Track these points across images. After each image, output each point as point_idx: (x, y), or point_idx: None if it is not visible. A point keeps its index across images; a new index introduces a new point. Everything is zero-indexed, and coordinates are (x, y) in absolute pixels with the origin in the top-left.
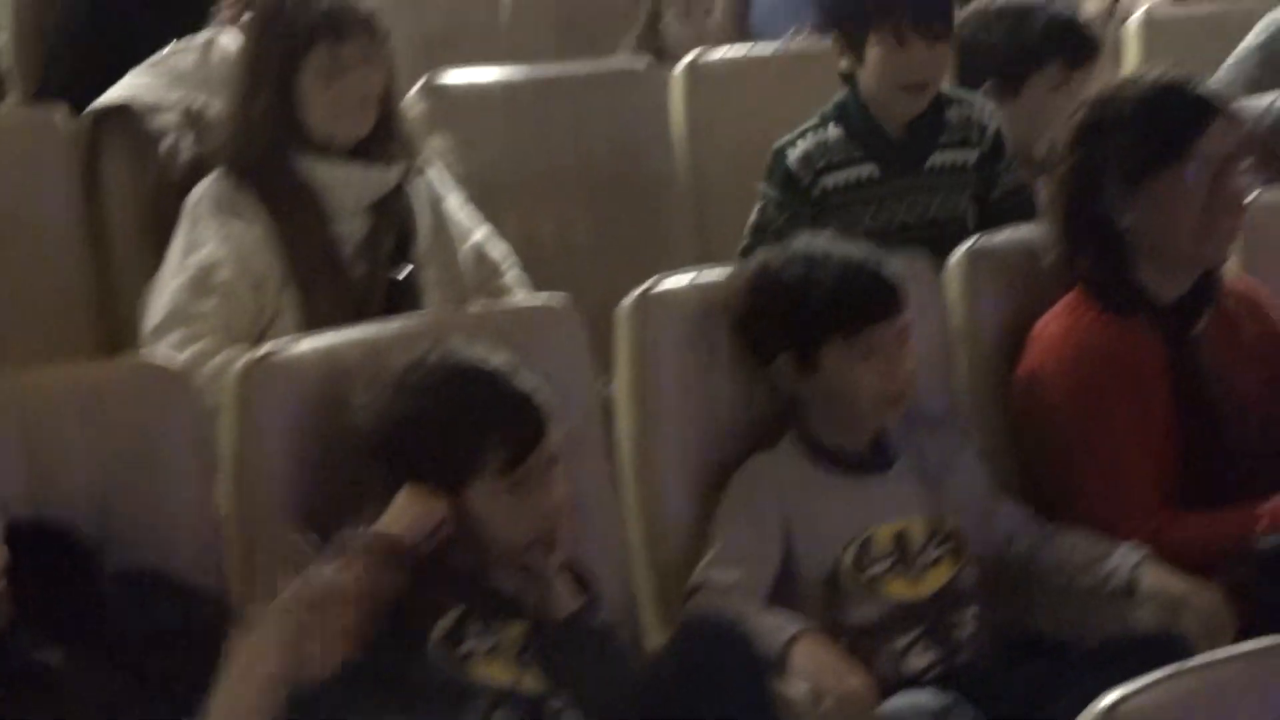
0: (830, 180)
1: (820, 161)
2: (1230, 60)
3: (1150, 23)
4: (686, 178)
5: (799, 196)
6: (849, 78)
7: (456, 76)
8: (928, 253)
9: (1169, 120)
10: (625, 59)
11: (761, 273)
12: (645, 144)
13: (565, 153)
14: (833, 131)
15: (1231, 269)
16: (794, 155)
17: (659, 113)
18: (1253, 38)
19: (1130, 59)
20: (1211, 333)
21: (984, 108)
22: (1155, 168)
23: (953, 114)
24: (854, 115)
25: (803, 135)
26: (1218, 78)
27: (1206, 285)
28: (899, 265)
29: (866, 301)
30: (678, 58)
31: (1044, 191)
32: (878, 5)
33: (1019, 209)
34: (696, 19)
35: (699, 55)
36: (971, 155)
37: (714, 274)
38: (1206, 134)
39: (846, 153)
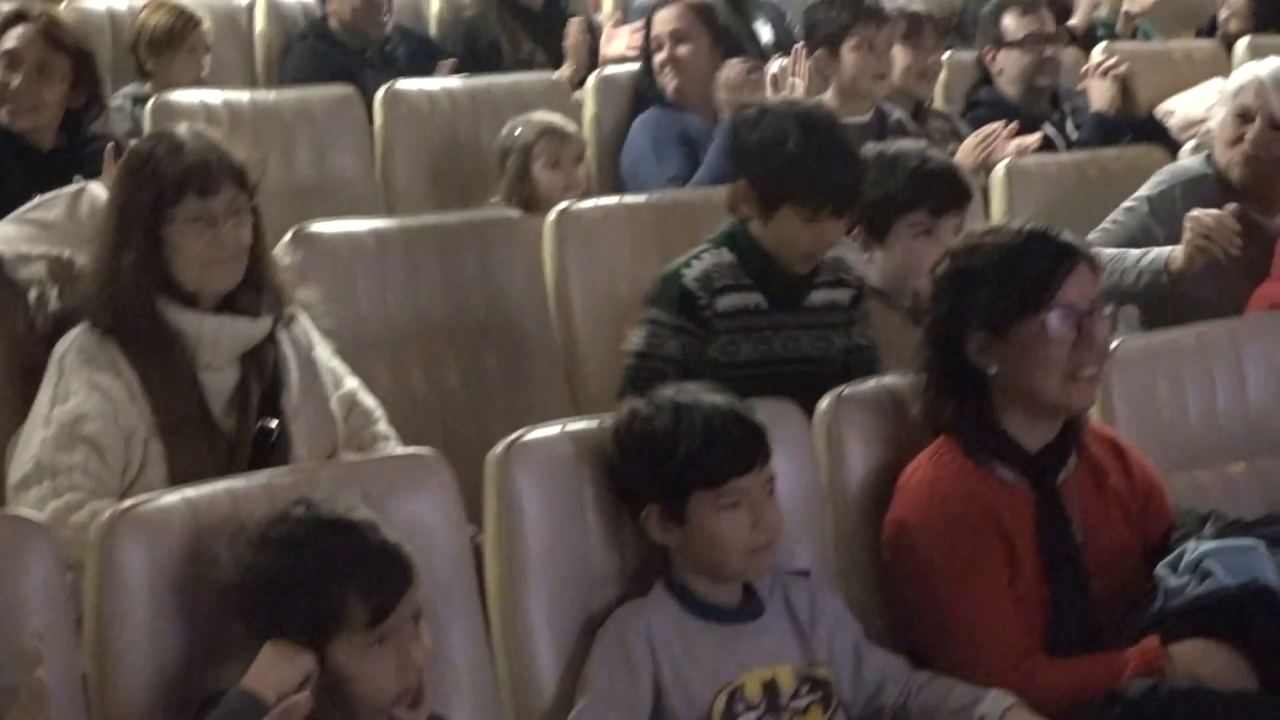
0: (724, 303)
1: (718, 282)
2: (1123, 206)
3: (1014, 171)
4: (557, 326)
5: (694, 318)
6: (741, 221)
7: (327, 226)
8: (799, 391)
9: (1032, 268)
10: (496, 209)
11: (630, 422)
12: (516, 293)
13: (436, 302)
14: (726, 256)
15: (1093, 417)
16: (691, 275)
17: (530, 262)
18: (1147, 189)
19: (996, 207)
20: (1077, 480)
21: (854, 252)
22: (1020, 315)
23: (829, 254)
24: (745, 245)
25: (697, 258)
26: (1107, 227)
27: (1071, 433)
28: (766, 413)
29: (732, 453)
30: (547, 207)
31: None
32: (802, 185)
33: (863, 366)
34: (566, 169)
35: (569, 205)
36: (845, 296)
37: (583, 423)
38: (1069, 281)
39: (738, 278)
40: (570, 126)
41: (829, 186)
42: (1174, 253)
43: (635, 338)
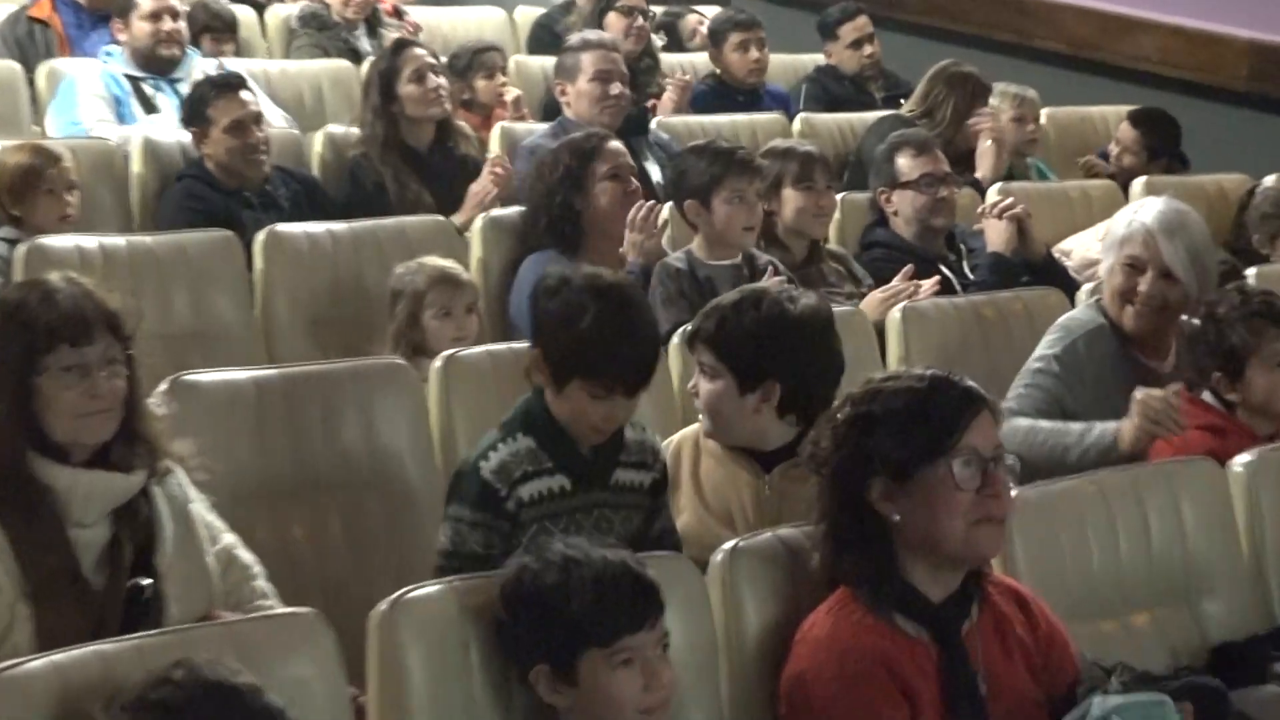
0: (526, 491)
1: (517, 471)
2: (1032, 368)
3: (910, 313)
4: (444, 478)
5: (496, 510)
6: (537, 395)
7: (204, 375)
8: None
9: (937, 414)
10: (381, 357)
11: (518, 579)
12: (401, 444)
13: (318, 453)
14: (523, 442)
15: (995, 566)
16: (488, 467)
17: (415, 411)
18: (1048, 346)
19: (892, 350)
20: (980, 631)
21: (653, 437)
22: (924, 461)
23: (630, 435)
24: (543, 426)
25: (492, 448)
26: (1024, 392)
27: (973, 582)
28: (658, 568)
29: (624, 610)
30: (436, 355)
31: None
32: (592, 362)
33: (672, 548)
34: (457, 318)
35: (456, 352)
36: (647, 478)
37: (470, 581)
38: (974, 427)
39: (538, 463)
40: (464, 274)
41: (619, 365)
42: (1121, 431)
43: (441, 536)
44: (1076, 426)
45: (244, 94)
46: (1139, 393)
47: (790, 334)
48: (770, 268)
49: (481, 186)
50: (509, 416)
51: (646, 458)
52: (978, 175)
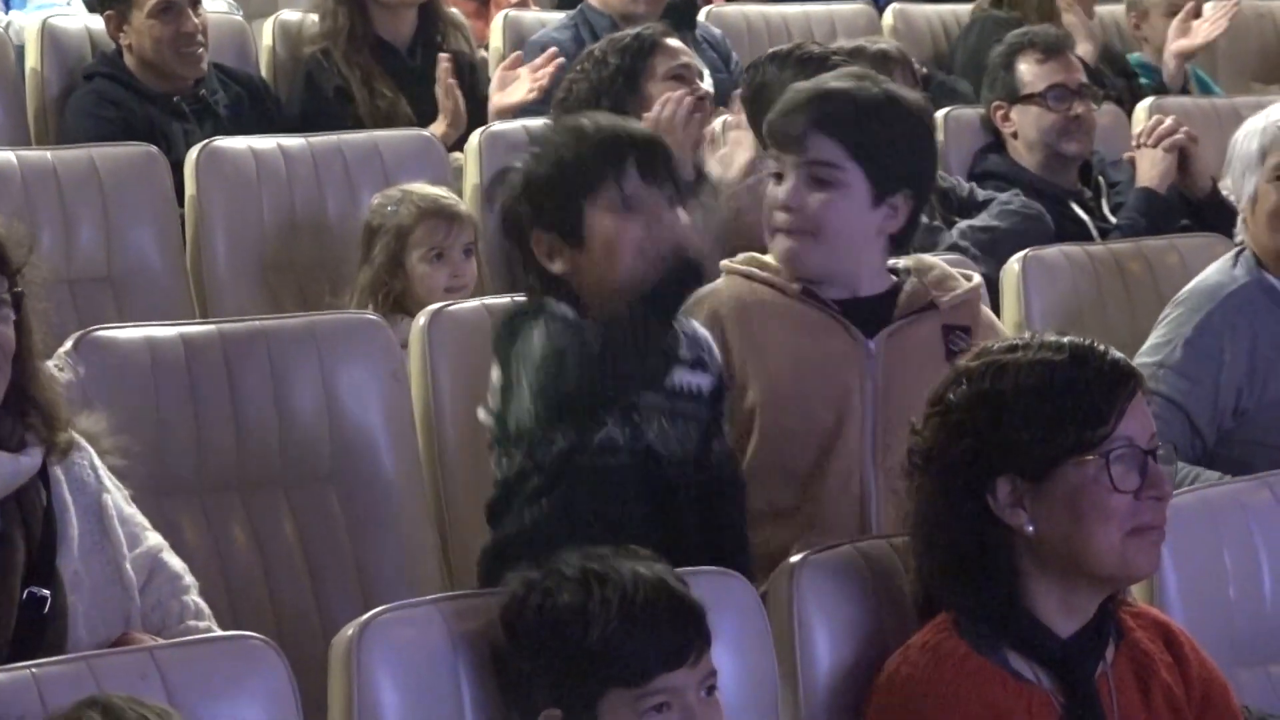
0: None
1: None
2: (1174, 369)
3: (1031, 263)
4: (426, 464)
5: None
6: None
7: (120, 331)
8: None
9: (1085, 396)
10: (348, 311)
11: (523, 599)
12: (373, 421)
13: (265, 433)
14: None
15: (1134, 594)
16: (543, 332)
17: (391, 380)
18: (1177, 326)
19: (1007, 309)
20: (1117, 675)
21: (707, 335)
22: (1067, 456)
23: (682, 329)
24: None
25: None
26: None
27: (1109, 614)
28: (704, 587)
29: (660, 641)
30: (422, 308)
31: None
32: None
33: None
34: (453, 262)
35: (443, 306)
36: (707, 381)
37: (460, 600)
38: (1129, 412)
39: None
40: (461, 206)
41: (616, 154)
42: None
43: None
44: (1211, 477)
45: None
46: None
47: (931, 136)
48: None
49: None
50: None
51: (703, 355)
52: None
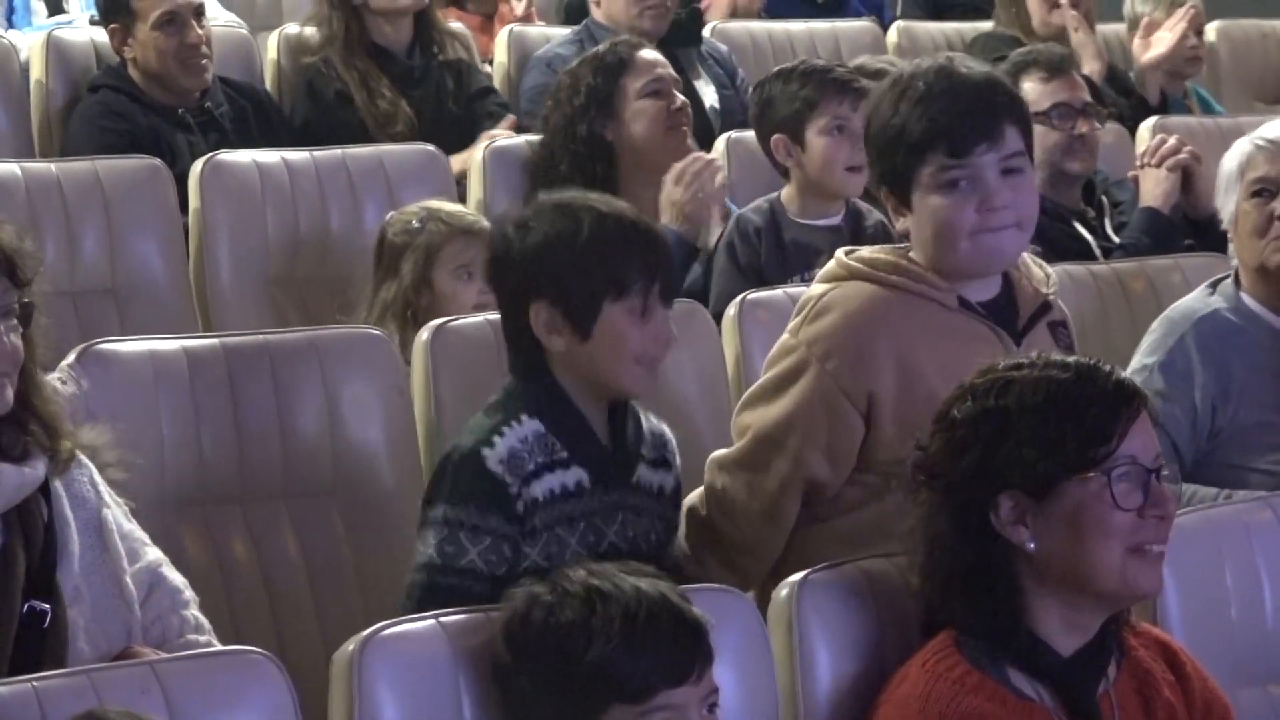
0: (540, 488)
1: (529, 463)
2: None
3: None
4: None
5: (506, 513)
6: (531, 365)
7: (123, 344)
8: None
9: (1089, 413)
10: (351, 325)
11: (526, 615)
12: (376, 437)
13: (269, 448)
14: (530, 425)
15: (1135, 613)
16: (495, 455)
17: (395, 396)
18: (1152, 353)
19: None
20: (1119, 694)
21: (670, 435)
22: (1073, 475)
23: (646, 427)
24: (552, 406)
25: (496, 432)
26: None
27: (1112, 633)
28: (706, 604)
29: (662, 657)
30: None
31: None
32: (616, 269)
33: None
34: (480, 280)
35: (445, 322)
36: (669, 480)
37: (463, 616)
38: (1133, 431)
39: (551, 453)
40: (485, 222)
41: (644, 255)
42: None
43: (422, 545)
44: (1209, 494)
45: None
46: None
47: None
48: (882, 228)
49: None
50: (499, 398)
51: (666, 454)
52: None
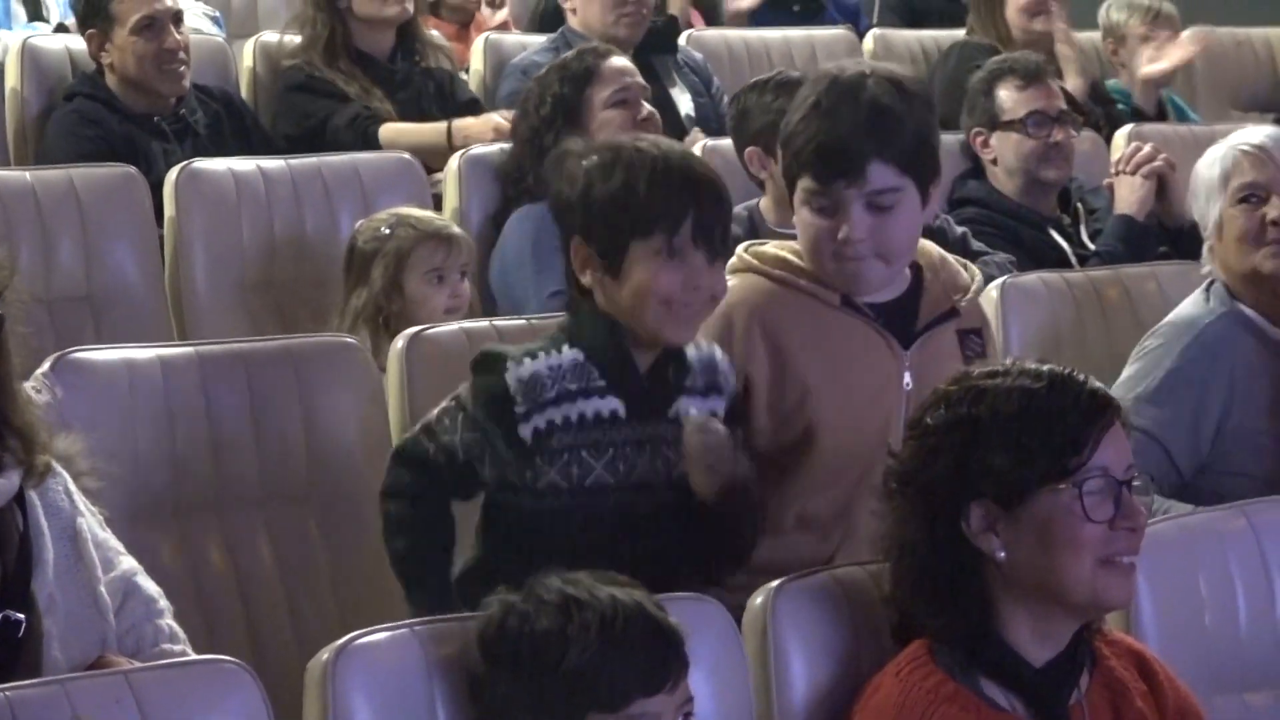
0: (556, 414)
1: (551, 390)
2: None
3: (1010, 290)
4: None
5: (505, 427)
6: (581, 296)
7: (98, 352)
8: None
9: (1062, 423)
10: (326, 334)
11: (502, 623)
12: (351, 445)
13: (244, 455)
14: (568, 354)
15: (1109, 621)
16: (517, 372)
17: (371, 403)
18: (1160, 358)
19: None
20: (1091, 704)
21: (724, 358)
22: (1043, 485)
23: (693, 354)
24: (595, 336)
25: (530, 354)
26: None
27: (1084, 642)
28: (682, 613)
29: (638, 666)
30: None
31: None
32: (647, 209)
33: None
34: (451, 284)
35: (422, 329)
36: (719, 405)
37: (438, 624)
38: (1106, 441)
39: (586, 380)
40: (455, 228)
41: (680, 199)
42: None
43: (441, 409)
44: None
45: None
46: None
47: (934, 108)
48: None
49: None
50: (552, 331)
51: (718, 379)
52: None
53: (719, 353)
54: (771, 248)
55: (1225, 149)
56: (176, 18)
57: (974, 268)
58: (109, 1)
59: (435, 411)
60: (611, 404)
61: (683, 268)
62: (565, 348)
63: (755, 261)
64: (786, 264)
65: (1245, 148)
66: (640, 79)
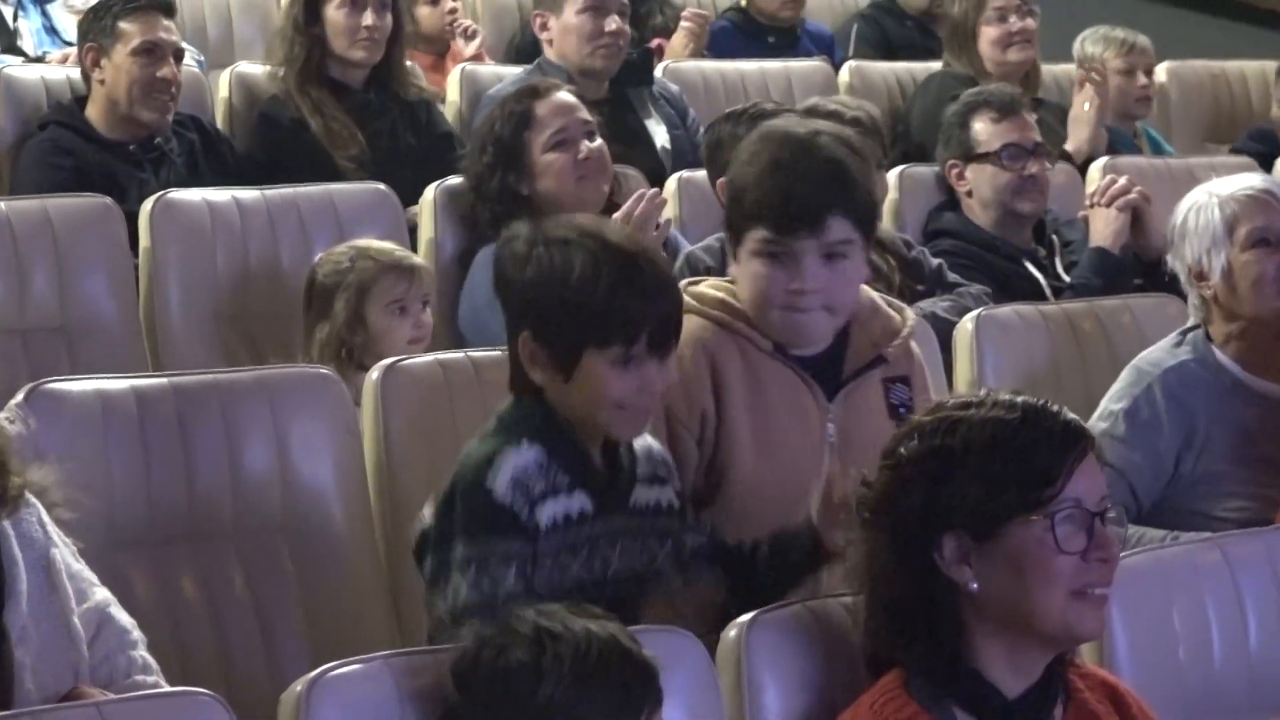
0: (545, 513)
1: (535, 487)
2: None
3: (985, 323)
4: (378, 521)
5: (523, 536)
6: (529, 386)
7: (72, 383)
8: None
9: (1034, 455)
10: (301, 365)
11: (475, 657)
12: (324, 477)
13: (217, 487)
14: (530, 452)
15: (1083, 653)
16: (500, 482)
17: (345, 434)
18: (1120, 399)
19: (960, 367)
20: None
21: (660, 448)
22: (1014, 515)
23: (639, 445)
24: (551, 432)
25: (488, 462)
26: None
27: (1057, 674)
28: (656, 646)
29: (612, 699)
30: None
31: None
32: (602, 318)
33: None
34: (414, 315)
35: (397, 361)
36: (667, 495)
37: (411, 657)
38: (1079, 473)
39: (552, 479)
40: (416, 259)
41: (637, 310)
42: None
43: (451, 592)
44: (1157, 535)
45: (167, 22)
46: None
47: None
48: None
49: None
50: (497, 425)
51: (659, 470)
52: (1068, 146)
53: (654, 442)
54: (708, 288)
55: (1220, 196)
56: (178, 53)
57: (909, 311)
58: (118, 18)
59: (462, 593)
60: (580, 501)
61: (638, 374)
62: (525, 443)
63: (694, 303)
64: (725, 305)
65: (1250, 192)
66: (583, 114)
